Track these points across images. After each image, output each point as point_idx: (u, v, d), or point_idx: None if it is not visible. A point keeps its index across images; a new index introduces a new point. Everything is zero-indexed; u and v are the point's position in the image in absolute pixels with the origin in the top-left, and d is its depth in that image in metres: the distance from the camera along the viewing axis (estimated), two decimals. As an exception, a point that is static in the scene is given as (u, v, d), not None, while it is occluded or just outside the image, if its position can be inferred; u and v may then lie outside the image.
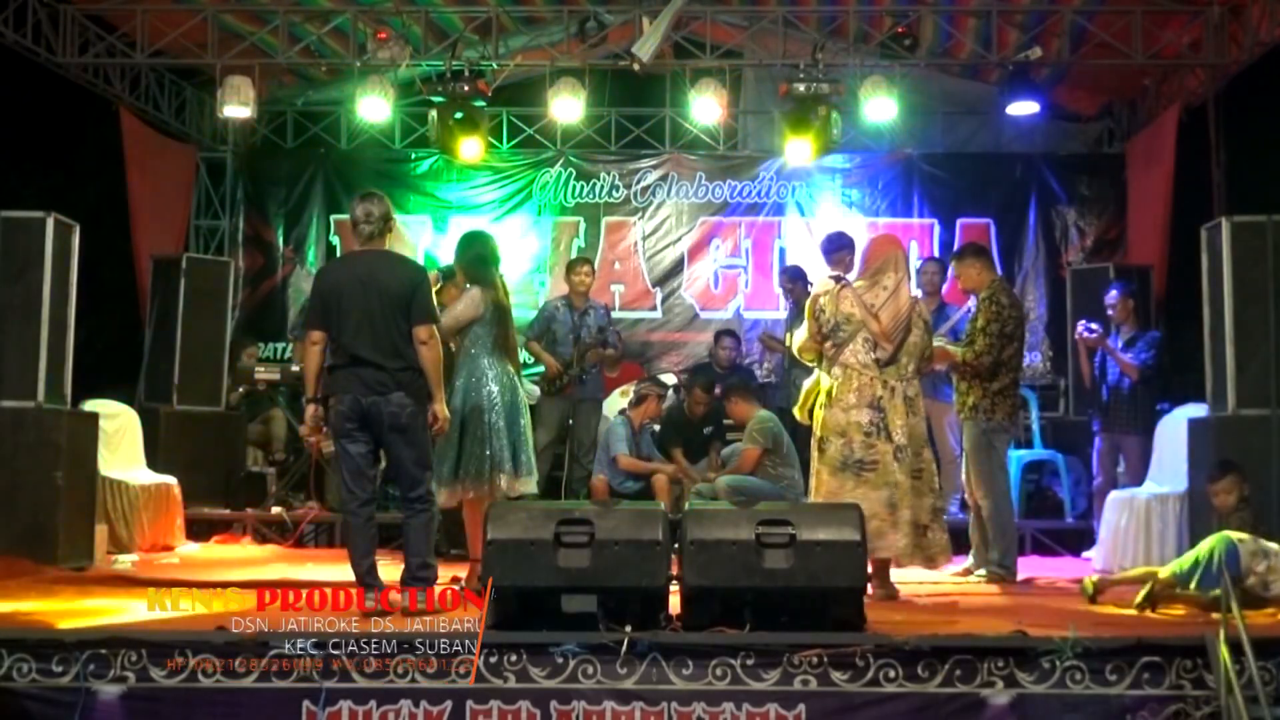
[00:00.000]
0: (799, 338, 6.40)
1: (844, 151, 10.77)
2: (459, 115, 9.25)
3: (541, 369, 8.93)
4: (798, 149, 9.52)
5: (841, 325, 6.01)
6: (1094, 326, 8.10)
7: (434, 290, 5.77)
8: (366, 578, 5.30)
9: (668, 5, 8.87)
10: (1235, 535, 5.58)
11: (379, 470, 5.69)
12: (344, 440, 5.39)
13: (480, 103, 9.45)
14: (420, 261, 8.90)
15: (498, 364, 6.16)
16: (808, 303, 6.35)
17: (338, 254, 10.97)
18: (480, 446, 6.02)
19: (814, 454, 6.09)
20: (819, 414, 6.08)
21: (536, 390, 9.37)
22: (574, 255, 10.78)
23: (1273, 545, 5.57)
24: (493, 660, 4.52)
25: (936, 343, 6.60)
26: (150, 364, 9.36)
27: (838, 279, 6.25)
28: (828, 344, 6.08)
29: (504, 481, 6.04)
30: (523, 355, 10.11)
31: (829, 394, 6.03)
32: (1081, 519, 8.70)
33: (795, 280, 9.39)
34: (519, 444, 6.13)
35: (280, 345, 11.01)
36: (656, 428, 8.95)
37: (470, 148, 9.53)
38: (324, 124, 11.49)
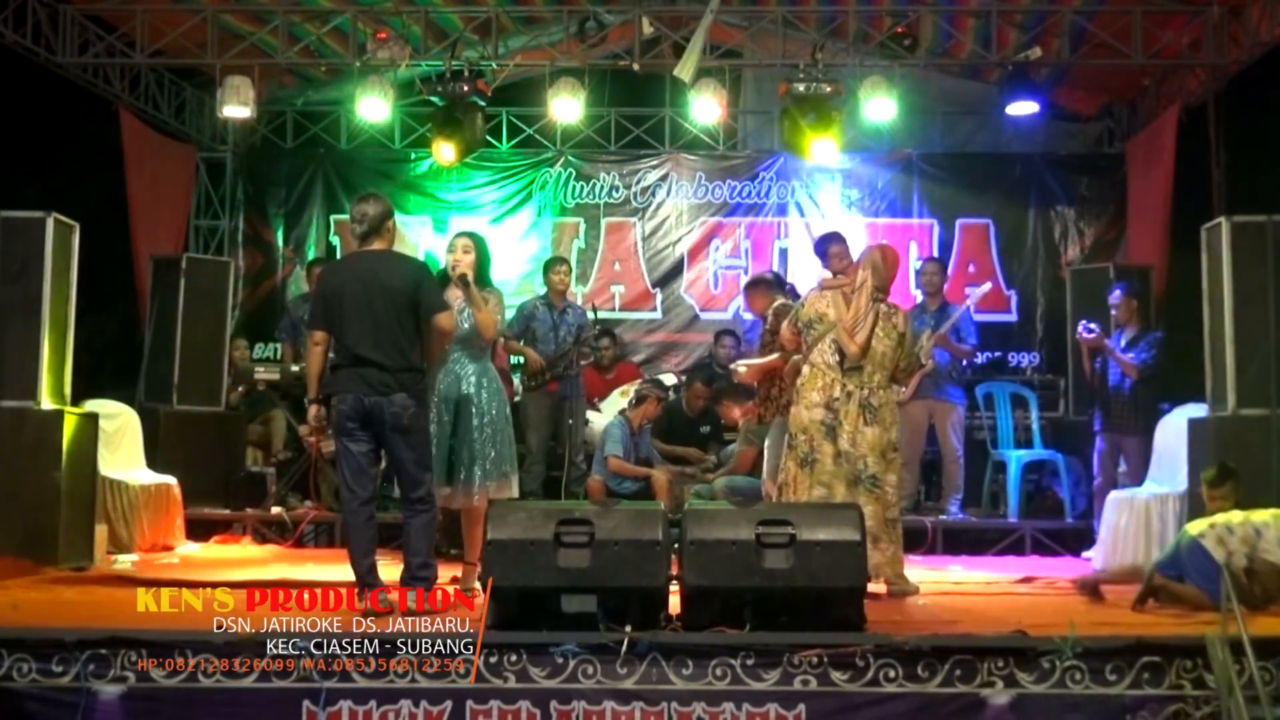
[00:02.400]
0: (781, 329, 6.58)
1: (844, 151, 10.75)
2: (446, 115, 9.24)
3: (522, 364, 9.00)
4: (821, 147, 9.37)
5: (814, 324, 6.16)
6: (1092, 327, 8.11)
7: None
8: (367, 577, 5.31)
9: (700, 22, 8.89)
10: (1218, 548, 5.53)
11: (380, 470, 5.69)
12: (345, 439, 5.39)
13: (480, 102, 9.45)
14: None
15: (444, 367, 6.07)
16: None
17: (338, 254, 10.97)
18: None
19: (786, 446, 6.21)
20: (792, 409, 6.20)
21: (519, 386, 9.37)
22: (575, 256, 10.81)
23: (1266, 553, 5.52)
24: (493, 660, 4.52)
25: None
26: (150, 364, 9.35)
27: (832, 278, 6.46)
28: (801, 340, 6.24)
29: (444, 490, 5.91)
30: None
31: (797, 390, 6.18)
32: (1081, 519, 8.70)
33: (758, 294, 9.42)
34: (453, 451, 5.94)
35: (280, 345, 11.01)
36: (656, 427, 8.95)
37: (446, 152, 9.49)
38: (324, 124, 11.49)
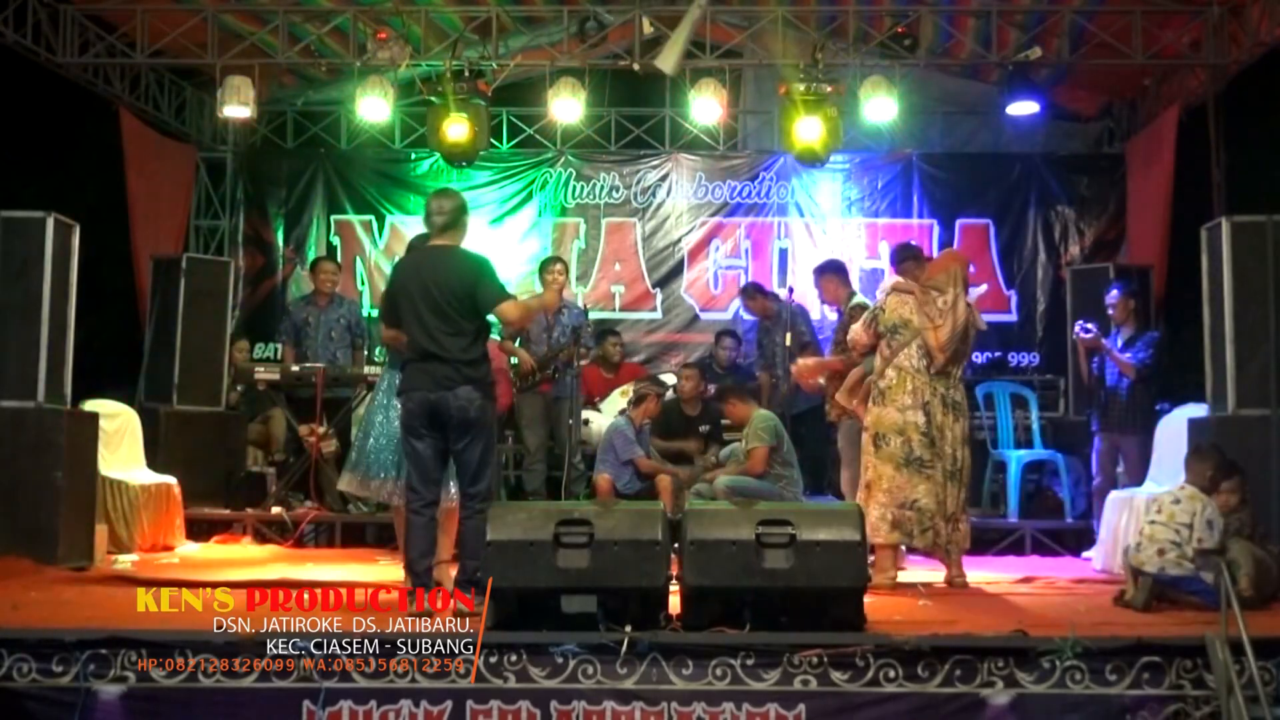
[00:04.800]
0: (853, 330, 6.68)
1: (844, 151, 10.76)
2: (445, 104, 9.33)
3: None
4: (822, 150, 9.44)
5: (899, 329, 6.34)
6: (1090, 326, 8.12)
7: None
8: (423, 577, 5.30)
9: (687, 14, 8.89)
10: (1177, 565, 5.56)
11: (445, 471, 5.60)
12: (412, 439, 5.38)
13: (480, 102, 9.46)
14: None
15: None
16: (877, 299, 6.63)
17: (338, 255, 11.00)
18: None
19: (868, 448, 6.39)
20: (871, 409, 6.39)
21: None
22: (575, 256, 10.83)
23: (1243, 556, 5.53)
24: (493, 660, 4.53)
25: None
26: (150, 364, 9.35)
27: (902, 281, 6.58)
28: (883, 344, 6.39)
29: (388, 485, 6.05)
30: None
31: (881, 392, 6.35)
32: (1081, 519, 8.70)
33: (754, 296, 9.47)
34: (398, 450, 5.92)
35: (280, 346, 11.00)
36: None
37: (458, 130, 9.46)
38: (324, 124, 11.49)
